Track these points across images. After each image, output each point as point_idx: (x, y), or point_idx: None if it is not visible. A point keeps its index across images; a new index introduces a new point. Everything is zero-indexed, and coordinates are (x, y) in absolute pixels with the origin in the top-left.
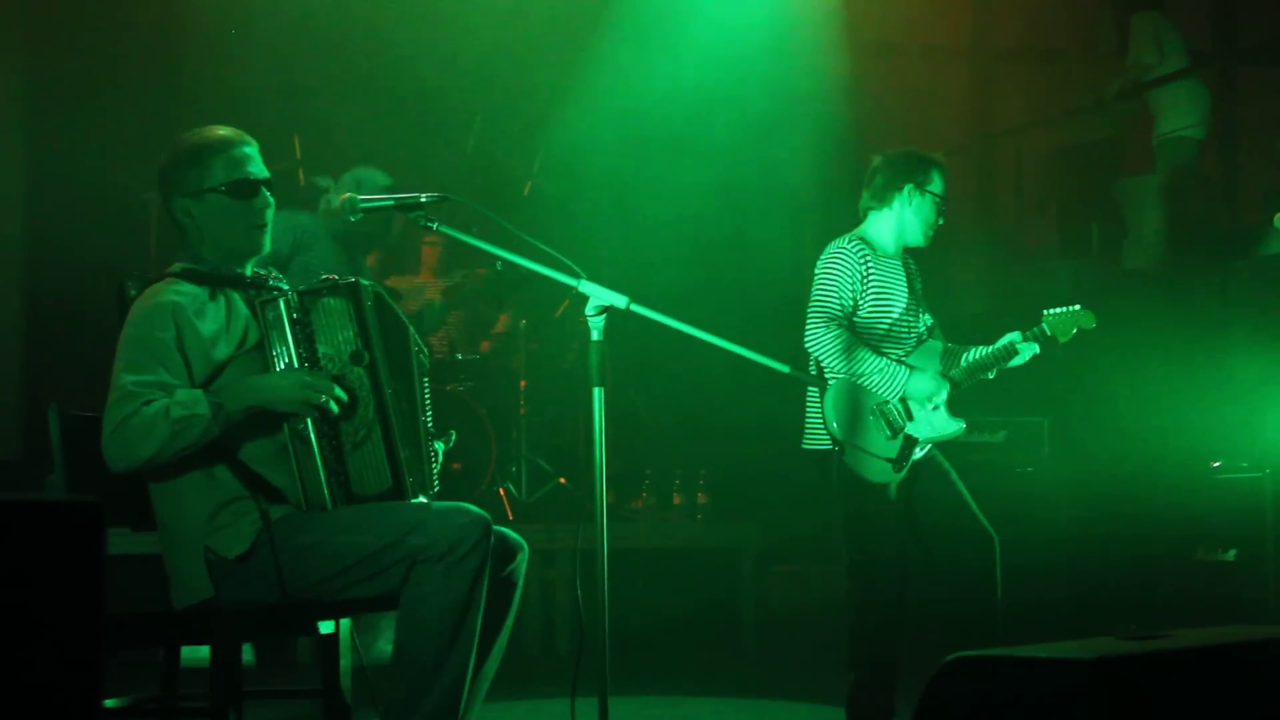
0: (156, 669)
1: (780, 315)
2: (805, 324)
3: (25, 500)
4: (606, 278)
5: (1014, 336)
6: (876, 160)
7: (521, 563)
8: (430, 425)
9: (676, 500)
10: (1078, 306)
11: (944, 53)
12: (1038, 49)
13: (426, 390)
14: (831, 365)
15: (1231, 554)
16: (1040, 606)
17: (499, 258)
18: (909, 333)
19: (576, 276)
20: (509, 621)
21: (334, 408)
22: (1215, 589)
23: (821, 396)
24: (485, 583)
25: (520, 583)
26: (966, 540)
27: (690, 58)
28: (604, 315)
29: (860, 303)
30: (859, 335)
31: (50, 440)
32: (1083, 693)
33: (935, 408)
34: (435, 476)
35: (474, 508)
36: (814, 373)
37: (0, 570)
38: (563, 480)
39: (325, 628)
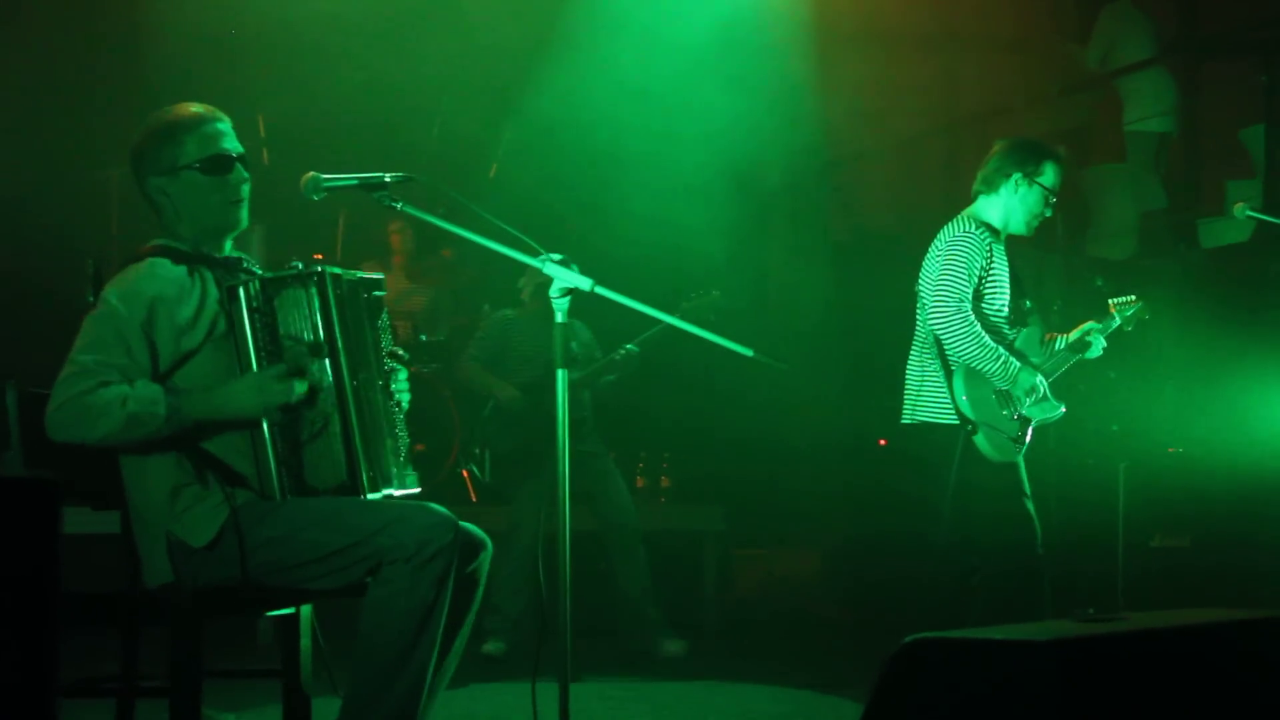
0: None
1: (741, 304)
2: (931, 304)
3: None
4: (572, 260)
5: (1089, 329)
6: (997, 145)
7: (485, 560)
8: (397, 395)
9: (640, 484)
10: (1133, 296)
11: (910, 41)
12: (1004, 37)
13: (400, 380)
14: (958, 348)
15: (1188, 540)
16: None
17: (464, 238)
18: (1015, 316)
19: (541, 259)
20: (470, 619)
21: (293, 400)
22: (1172, 574)
23: (947, 377)
24: (450, 584)
25: (483, 581)
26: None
27: (656, 47)
28: (568, 297)
29: (982, 287)
30: (981, 320)
31: (7, 417)
32: (1041, 674)
33: (1042, 395)
34: (402, 468)
35: (441, 508)
36: (928, 353)
37: None
38: None
39: (287, 610)
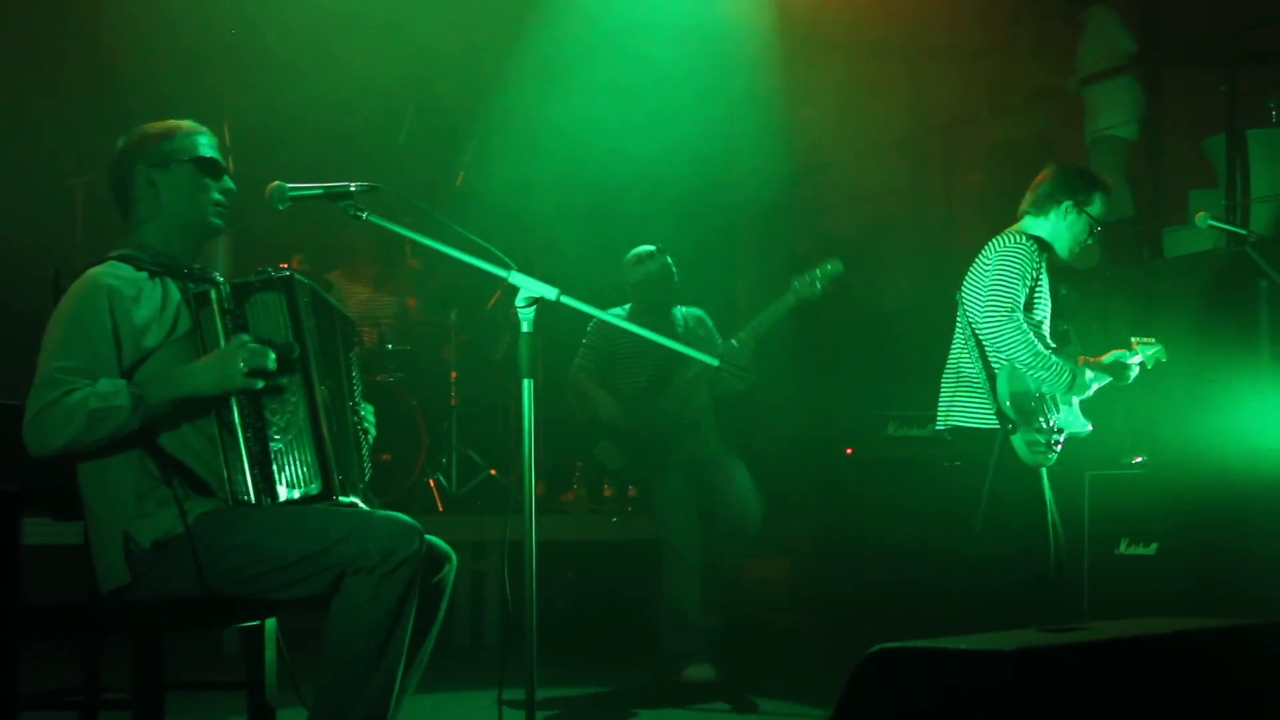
0: (75, 659)
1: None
2: (982, 311)
3: None
4: (539, 270)
5: (1121, 355)
6: (1048, 168)
7: (449, 572)
8: (363, 419)
9: (607, 492)
10: (1152, 339)
11: (877, 49)
12: (968, 47)
13: (369, 414)
14: (1010, 352)
15: (1153, 548)
16: (964, 599)
17: (429, 248)
18: (1052, 333)
19: (507, 268)
20: (434, 630)
21: (258, 384)
22: (1137, 582)
23: (989, 380)
24: (416, 594)
25: (447, 592)
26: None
27: (624, 57)
28: (534, 307)
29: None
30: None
31: None
32: (1005, 683)
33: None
34: (367, 471)
35: (406, 518)
36: (979, 359)
37: None
38: (493, 472)
39: (251, 622)
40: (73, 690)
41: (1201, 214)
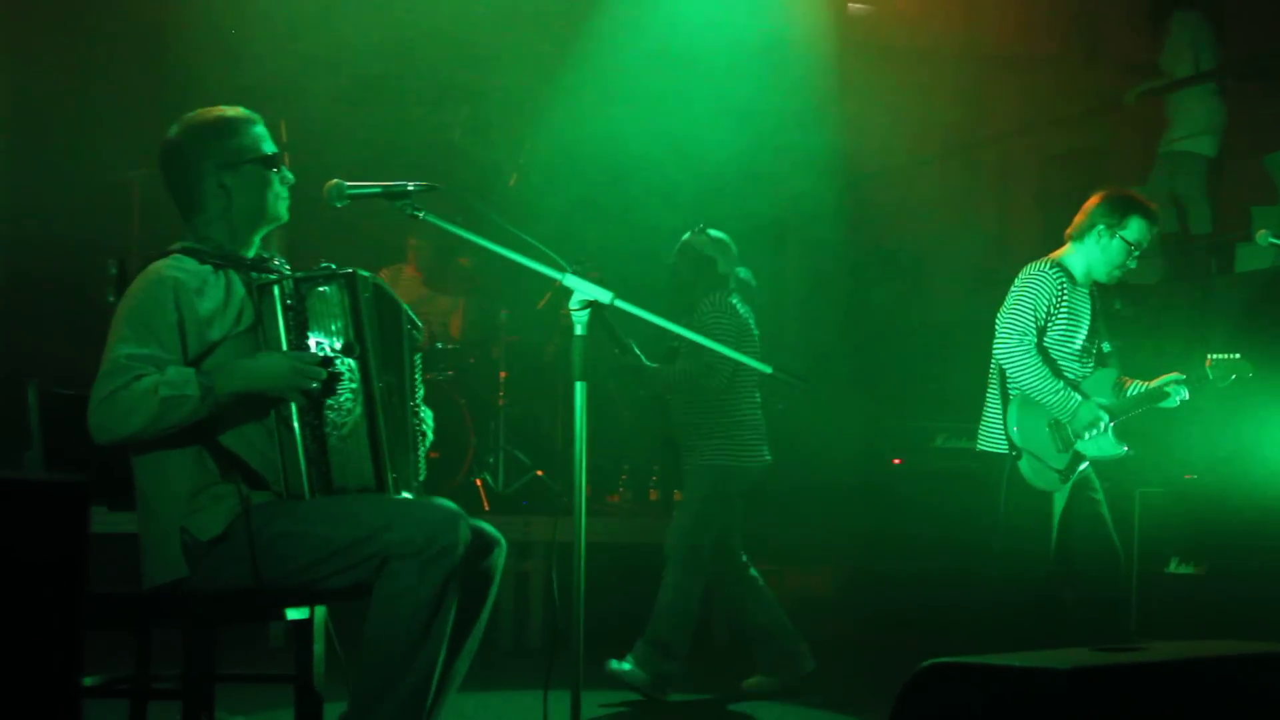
0: (127, 648)
1: (762, 320)
2: (997, 335)
3: (9, 479)
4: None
5: (1172, 379)
6: (1094, 195)
7: (499, 557)
8: (421, 421)
9: (653, 496)
10: (1238, 355)
11: (932, 58)
12: (1023, 56)
13: (419, 388)
14: (1018, 378)
15: (1204, 567)
16: (1012, 615)
17: (484, 248)
18: (1089, 357)
19: (561, 270)
20: (484, 617)
21: (317, 387)
22: (1187, 602)
23: (1004, 405)
24: (458, 580)
25: (496, 577)
26: (1095, 556)
27: (678, 61)
28: (588, 310)
29: (1050, 325)
30: (1045, 354)
31: (27, 415)
32: (1059, 703)
33: (1101, 432)
34: (421, 471)
35: (450, 503)
36: (996, 382)
37: None
38: (540, 473)
39: (300, 614)
40: (123, 679)
41: (1262, 231)
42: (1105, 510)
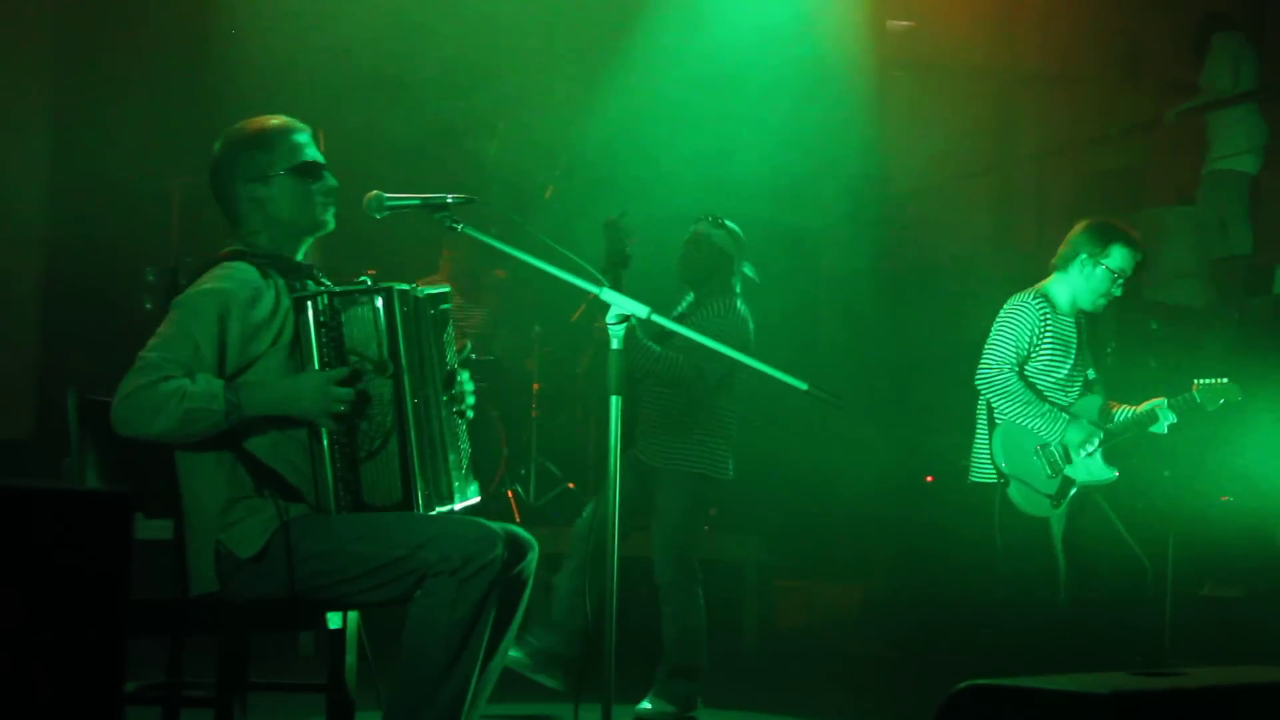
0: (158, 655)
1: (791, 339)
2: (979, 365)
3: (57, 490)
4: (627, 286)
5: (1158, 403)
6: (1076, 226)
7: (531, 561)
8: (462, 428)
9: None
10: (1225, 380)
11: (969, 75)
12: (1062, 74)
13: (465, 383)
14: (1001, 406)
15: (1240, 590)
16: (1046, 637)
17: (521, 261)
18: (1074, 385)
19: (598, 284)
20: (517, 619)
21: (345, 409)
22: (1222, 625)
23: (990, 434)
24: (494, 600)
25: (530, 581)
26: (1121, 571)
27: (715, 75)
28: (624, 324)
29: (1034, 353)
30: (1027, 381)
31: (67, 422)
32: None
33: (1091, 454)
34: (464, 480)
35: (487, 522)
36: (983, 414)
37: (31, 557)
38: (571, 485)
39: (333, 623)
40: (155, 686)
41: None
42: (1117, 522)
